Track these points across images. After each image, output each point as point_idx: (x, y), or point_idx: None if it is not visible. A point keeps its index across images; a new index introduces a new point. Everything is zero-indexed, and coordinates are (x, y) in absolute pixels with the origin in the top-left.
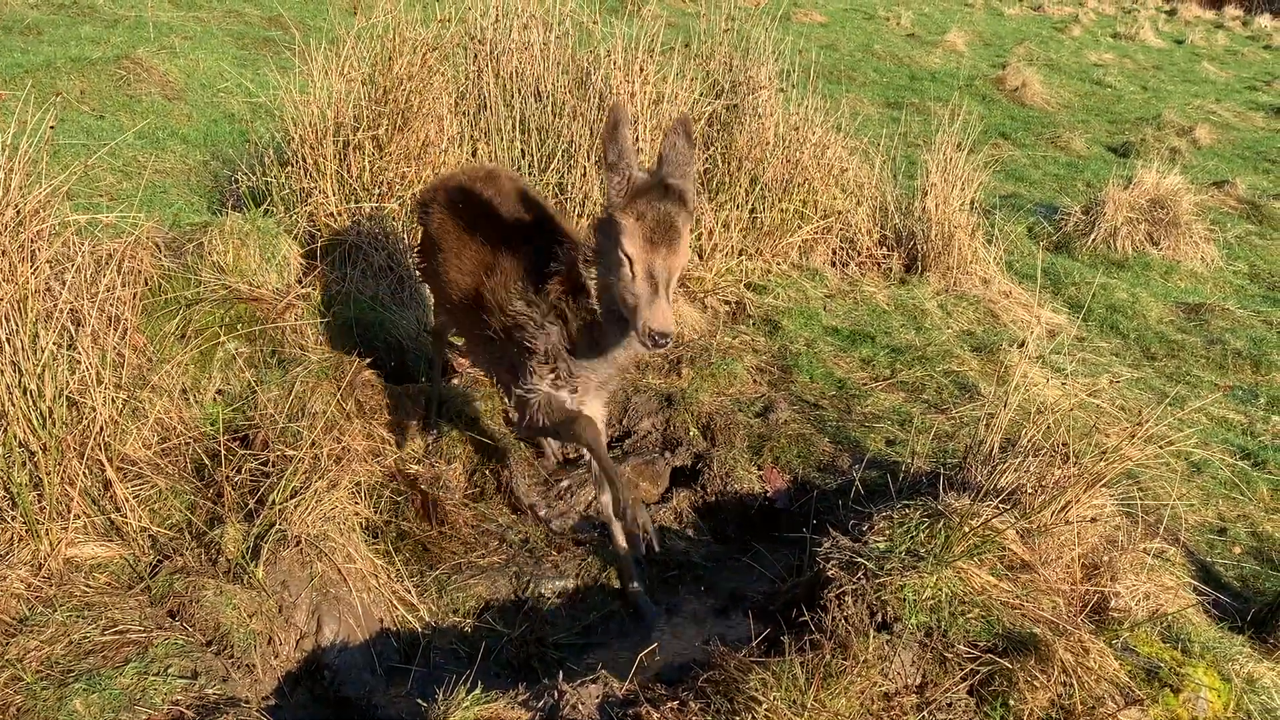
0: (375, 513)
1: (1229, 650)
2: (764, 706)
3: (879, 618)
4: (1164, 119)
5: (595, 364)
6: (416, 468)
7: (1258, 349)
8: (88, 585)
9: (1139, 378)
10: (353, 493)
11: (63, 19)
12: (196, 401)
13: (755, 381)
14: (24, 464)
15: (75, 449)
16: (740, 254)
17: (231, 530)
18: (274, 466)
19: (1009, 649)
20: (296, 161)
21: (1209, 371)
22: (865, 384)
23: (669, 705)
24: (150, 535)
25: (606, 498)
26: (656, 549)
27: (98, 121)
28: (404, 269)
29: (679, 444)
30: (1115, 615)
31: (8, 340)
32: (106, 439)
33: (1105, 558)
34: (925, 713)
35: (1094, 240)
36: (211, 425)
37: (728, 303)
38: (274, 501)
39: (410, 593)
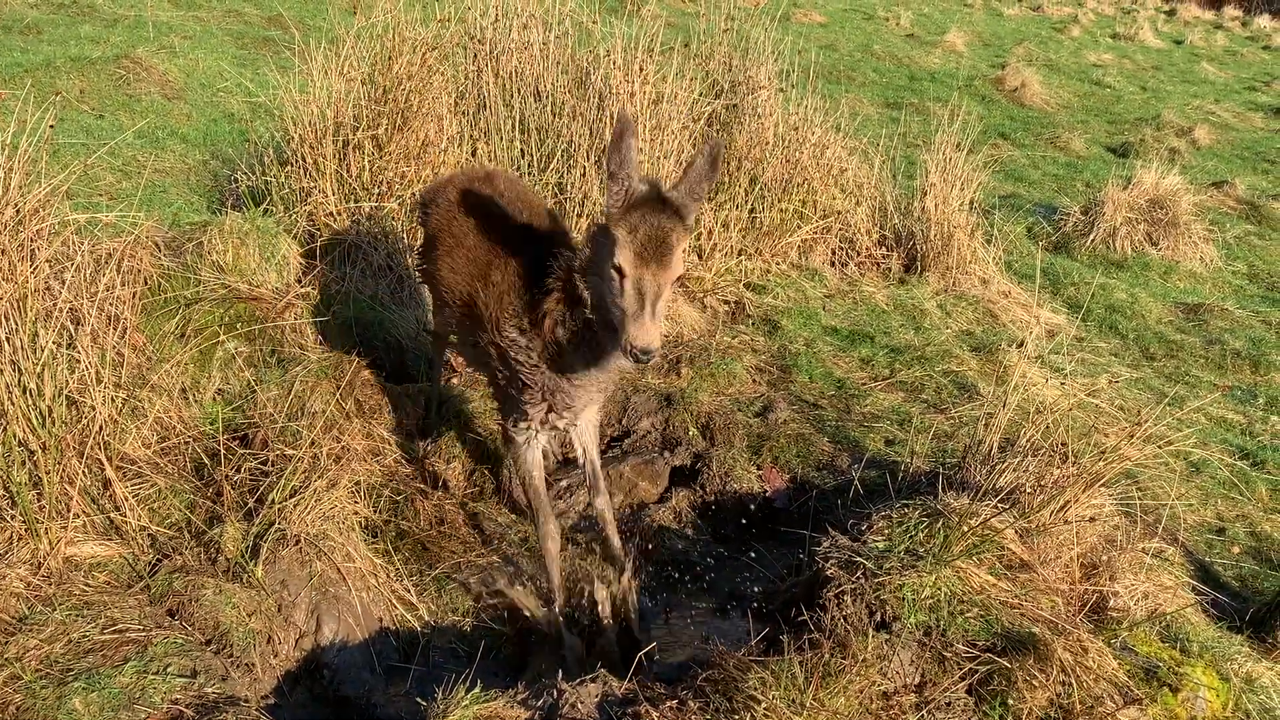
0: (375, 512)
1: (1227, 650)
2: (763, 705)
3: (878, 617)
4: (1163, 119)
5: (588, 376)
6: (415, 467)
7: (1256, 349)
8: (87, 584)
9: (1138, 378)
10: (352, 492)
11: (62, 18)
12: (196, 401)
13: (754, 381)
14: (23, 463)
15: (75, 448)
16: (740, 254)
17: (231, 529)
18: (273, 466)
19: (1008, 648)
20: (296, 161)
21: (1208, 371)
22: (864, 384)
23: (668, 704)
24: (150, 534)
25: (600, 501)
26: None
27: (97, 121)
28: (403, 268)
29: (678, 444)
30: (1114, 615)
31: (7, 339)
32: (106, 438)
33: (1104, 557)
34: (924, 712)
35: (1093, 240)
36: (211, 424)
37: (727, 302)
38: (273, 501)
39: (409, 592)
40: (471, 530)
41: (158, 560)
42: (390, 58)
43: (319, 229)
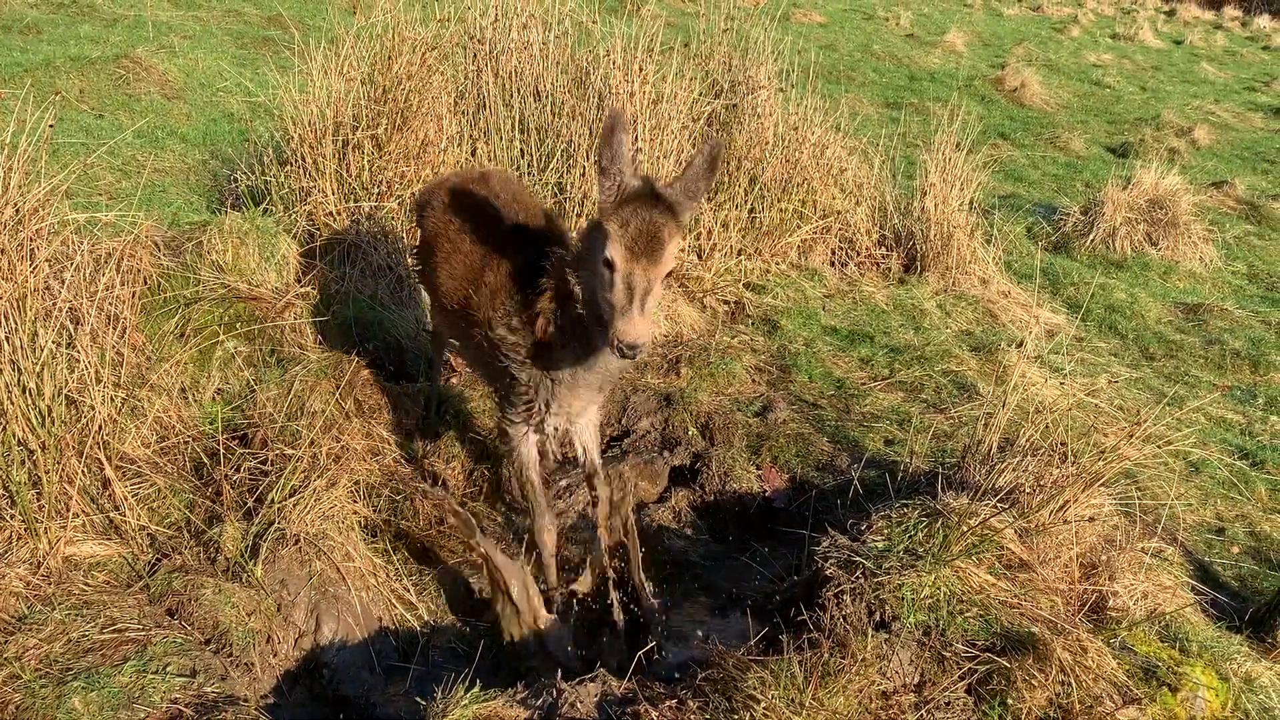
0: (374, 511)
1: (1227, 650)
2: (762, 705)
3: (877, 617)
4: (1163, 119)
5: (580, 376)
6: (415, 467)
7: (1256, 349)
8: (86, 584)
9: (1137, 378)
10: (351, 491)
11: (62, 18)
12: (195, 400)
13: (754, 381)
14: (23, 462)
15: (74, 447)
16: (739, 254)
17: (230, 529)
18: (273, 465)
19: (1007, 648)
20: (295, 161)
21: (1207, 371)
22: (864, 384)
23: (667, 704)
24: (149, 534)
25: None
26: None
27: (97, 120)
28: (403, 268)
29: (678, 443)
30: (1113, 614)
31: (7, 339)
32: (105, 437)
33: (1103, 557)
34: (923, 711)
35: (1092, 240)
36: (210, 424)
37: (727, 302)
38: (273, 500)
39: (409, 591)
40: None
41: (157, 560)
42: (390, 57)
43: (319, 229)
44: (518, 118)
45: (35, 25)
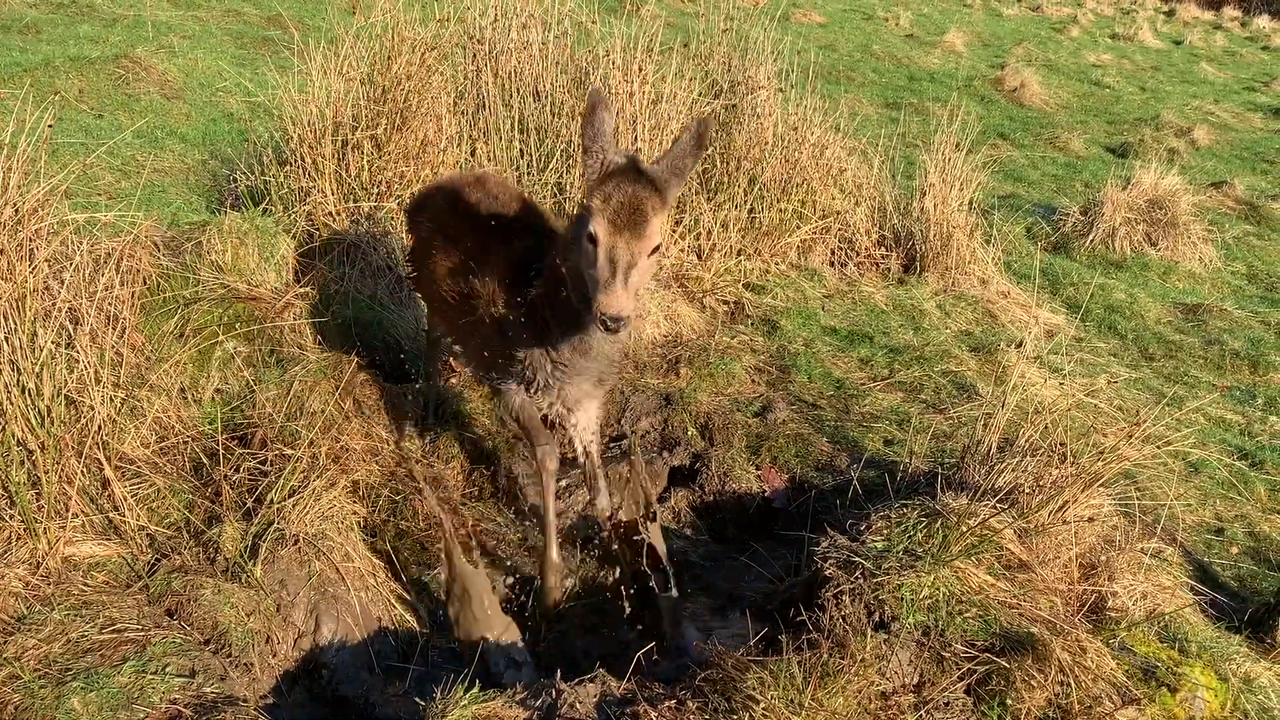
0: (373, 511)
1: (1226, 650)
2: (761, 705)
3: (876, 617)
4: (1162, 119)
5: (579, 361)
6: (415, 467)
7: (1255, 349)
8: (86, 584)
9: (1137, 378)
10: (351, 492)
11: (61, 18)
12: (195, 400)
13: (753, 381)
14: (22, 462)
15: (73, 447)
16: (739, 254)
17: (230, 529)
18: (272, 465)
19: (1006, 648)
20: (295, 161)
21: (1207, 372)
22: (863, 384)
23: (667, 704)
24: (148, 534)
25: (602, 501)
26: None
27: (96, 120)
28: (402, 268)
29: (677, 444)
30: (1112, 615)
31: (6, 339)
32: (105, 438)
33: (1103, 557)
34: (923, 712)
35: (1092, 240)
36: (210, 424)
37: (726, 303)
38: (272, 500)
39: (409, 591)
40: (470, 530)
41: (156, 560)
42: (389, 58)
43: (318, 229)
44: (517, 118)
45: (34, 25)
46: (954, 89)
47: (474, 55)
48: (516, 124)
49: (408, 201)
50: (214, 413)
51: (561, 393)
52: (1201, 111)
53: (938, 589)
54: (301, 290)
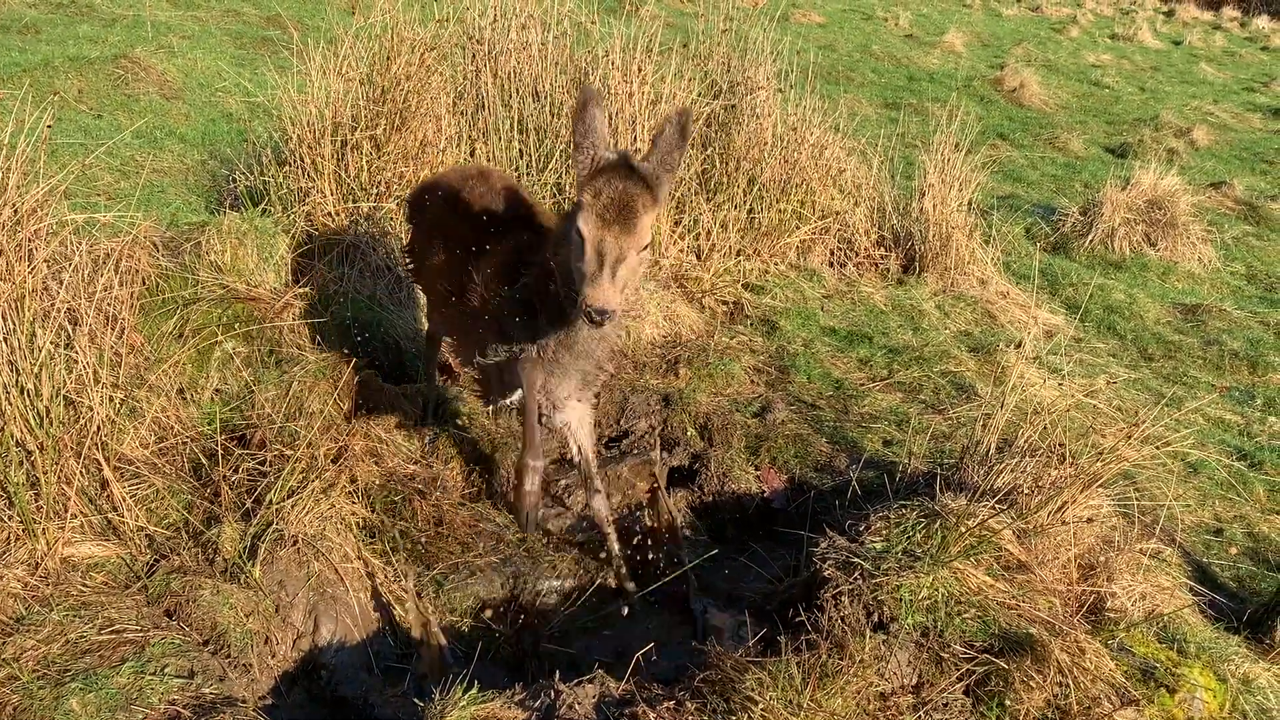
0: (372, 512)
1: (1225, 651)
2: (760, 706)
3: (875, 618)
4: (1162, 120)
5: (566, 357)
6: (414, 468)
7: (1254, 350)
8: (84, 584)
9: (1136, 378)
10: (350, 492)
11: (60, 18)
12: (194, 401)
13: (753, 382)
14: (21, 463)
15: (72, 448)
16: (738, 254)
17: (228, 530)
18: (271, 466)
19: (1005, 649)
20: (294, 161)
21: (1206, 372)
22: (862, 384)
23: (665, 705)
24: (147, 535)
25: (598, 501)
26: None
27: (95, 120)
28: (401, 268)
29: (676, 444)
30: (1111, 615)
31: (5, 339)
32: (103, 438)
33: (1102, 558)
34: (921, 713)
35: (1091, 241)
36: (209, 425)
37: (725, 303)
38: (271, 501)
39: (408, 592)
40: (469, 530)
41: (155, 561)
42: (388, 58)
43: (317, 229)
44: (516, 118)
45: (34, 25)
46: (953, 89)
47: (473, 56)
48: (516, 124)
49: (406, 194)
50: (213, 413)
51: (545, 386)
52: (1201, 112)
53: (937, 590)
54: (300, 290)
